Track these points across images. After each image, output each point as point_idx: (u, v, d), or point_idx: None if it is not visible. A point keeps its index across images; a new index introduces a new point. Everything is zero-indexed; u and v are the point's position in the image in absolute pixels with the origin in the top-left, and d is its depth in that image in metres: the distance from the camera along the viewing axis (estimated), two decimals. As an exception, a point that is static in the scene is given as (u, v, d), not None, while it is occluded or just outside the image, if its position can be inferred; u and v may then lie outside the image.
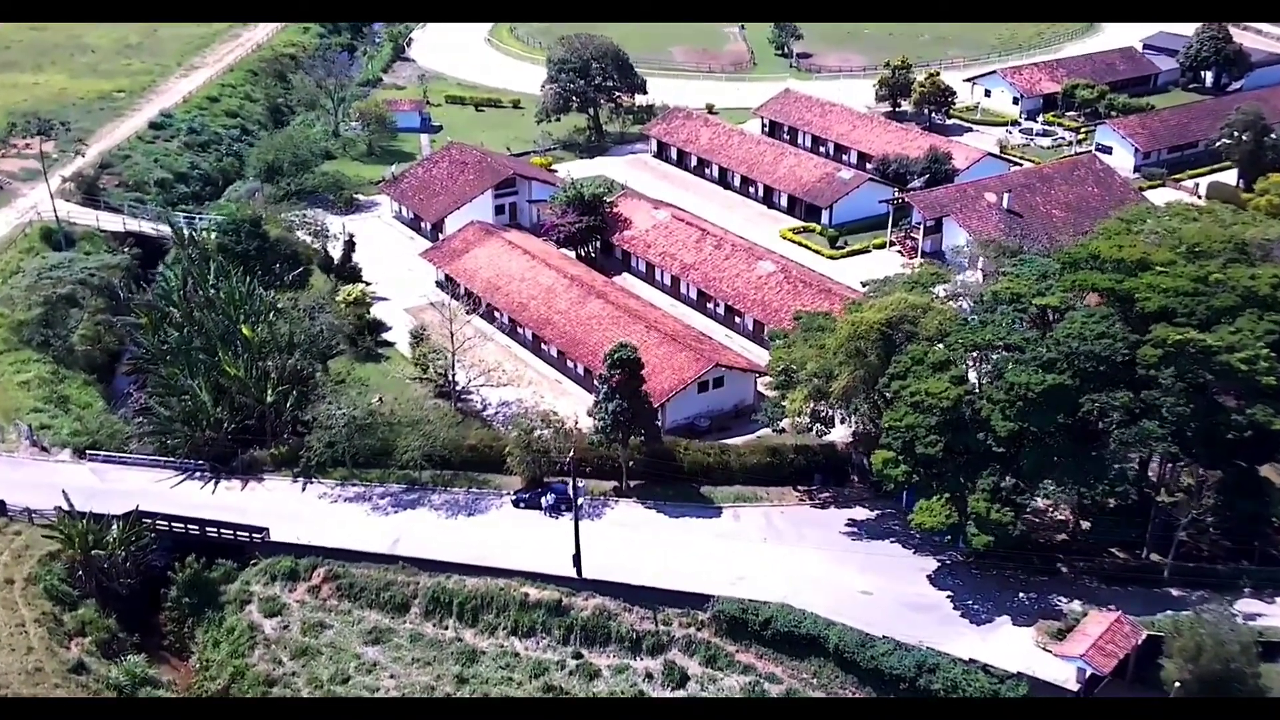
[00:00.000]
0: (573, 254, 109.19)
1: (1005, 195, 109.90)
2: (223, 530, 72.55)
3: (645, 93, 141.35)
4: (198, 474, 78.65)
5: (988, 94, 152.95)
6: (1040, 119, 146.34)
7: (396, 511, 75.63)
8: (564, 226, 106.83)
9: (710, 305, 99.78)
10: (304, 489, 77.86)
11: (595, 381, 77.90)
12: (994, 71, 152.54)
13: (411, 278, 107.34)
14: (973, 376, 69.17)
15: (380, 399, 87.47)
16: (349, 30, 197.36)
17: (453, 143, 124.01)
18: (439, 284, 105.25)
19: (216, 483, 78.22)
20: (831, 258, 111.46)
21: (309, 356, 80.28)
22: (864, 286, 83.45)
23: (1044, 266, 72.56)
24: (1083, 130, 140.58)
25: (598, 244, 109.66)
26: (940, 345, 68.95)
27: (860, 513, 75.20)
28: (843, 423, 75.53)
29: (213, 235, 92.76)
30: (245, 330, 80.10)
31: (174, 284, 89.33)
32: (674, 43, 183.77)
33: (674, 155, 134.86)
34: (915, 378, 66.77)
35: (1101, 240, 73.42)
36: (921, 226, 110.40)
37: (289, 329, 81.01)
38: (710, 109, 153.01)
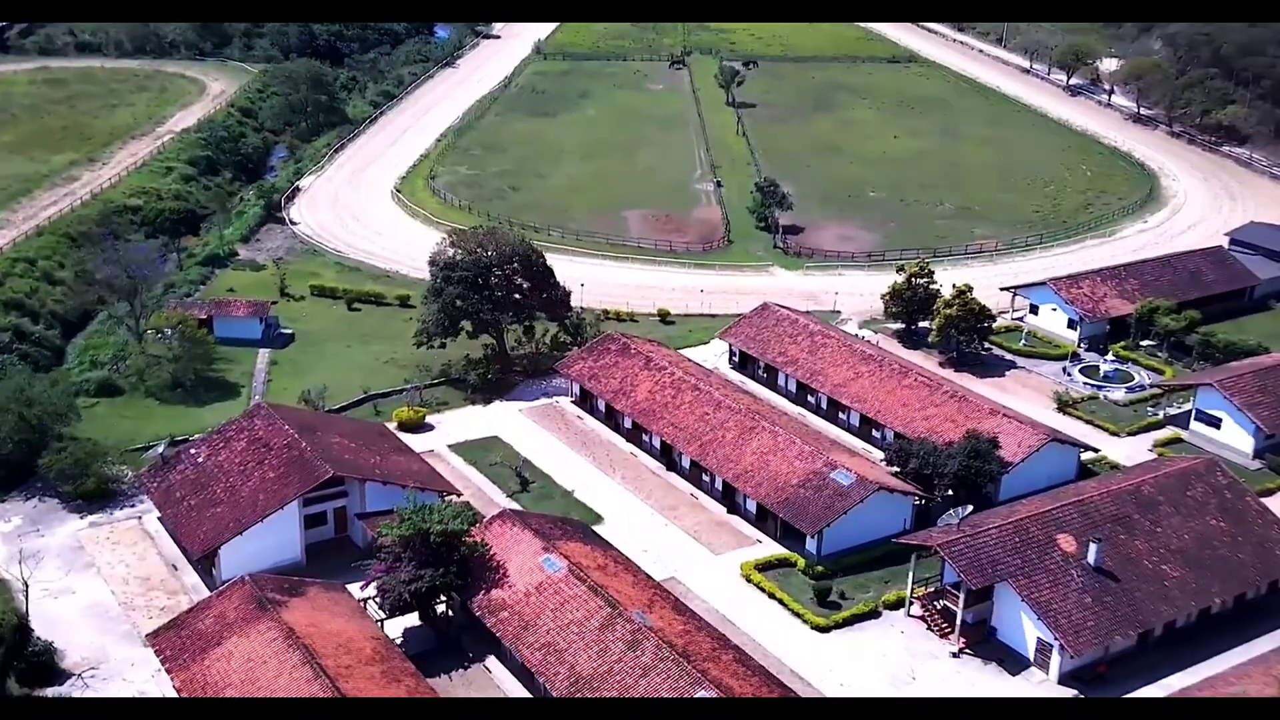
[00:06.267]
0: (414, 616, 69.33)
1: (1092, 546, 70.51)
2: None
3: (569, 309, 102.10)
4: None
5: (1034, 310, 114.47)
6: (1109, 355, 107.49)
7: None
8: (392, 590, 66.66)
9: (614, 762, 59.46)
10: None
11: None
12: (1043, 283, 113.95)
13: (153, 659, 66.76)
14: None
15: None
16: (230, 168, 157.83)
17: (260, 405, 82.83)
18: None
19: None
20: (818, 627, 71.61)
21: None
22: None
23: None
24: (1167, 383, 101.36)
25: (454, 601, 69.58)
26: None
27: None
28: None
29: None
30: None
31: None
32: (630, 204, 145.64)
33: (601, 406, 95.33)
34: None
35: None
36: (963, 592, 70.78)
37: None
38: (664, 317, 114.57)
